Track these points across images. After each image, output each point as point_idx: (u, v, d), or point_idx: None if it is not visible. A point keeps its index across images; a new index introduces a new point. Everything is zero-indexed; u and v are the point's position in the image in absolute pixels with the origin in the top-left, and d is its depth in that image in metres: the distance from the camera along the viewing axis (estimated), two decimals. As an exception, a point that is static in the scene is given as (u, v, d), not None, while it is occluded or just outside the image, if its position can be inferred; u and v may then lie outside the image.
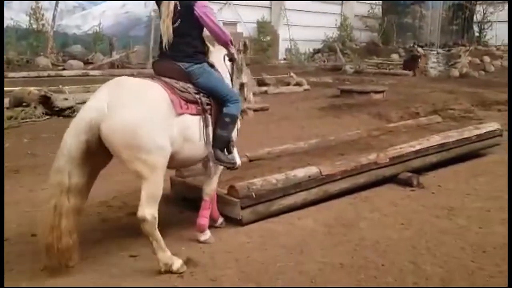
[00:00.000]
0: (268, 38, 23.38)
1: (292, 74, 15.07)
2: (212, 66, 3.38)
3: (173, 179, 4.20)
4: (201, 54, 3.33)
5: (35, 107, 7.43)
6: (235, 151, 3.47)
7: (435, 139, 5.19)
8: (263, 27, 23.43)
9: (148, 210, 2.80)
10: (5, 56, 14.43)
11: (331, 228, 3.63)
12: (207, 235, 3.40)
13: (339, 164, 4.34)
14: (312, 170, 4.05)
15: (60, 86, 9.89)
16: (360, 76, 17.22)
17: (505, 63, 20.45)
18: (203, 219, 3.40)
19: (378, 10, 28.92)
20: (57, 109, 7.50)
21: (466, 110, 9.66)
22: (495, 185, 4.69)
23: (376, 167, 4.54)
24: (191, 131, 3.08)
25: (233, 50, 3.52)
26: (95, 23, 17.97)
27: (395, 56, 23.07)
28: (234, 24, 23.68)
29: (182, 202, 4.07)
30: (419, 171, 4.94)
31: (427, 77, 17.18)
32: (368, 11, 28.89)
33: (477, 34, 25.95)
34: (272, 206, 3.73)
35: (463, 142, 5.43)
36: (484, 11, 25.40)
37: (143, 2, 19.09)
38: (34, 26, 16.64)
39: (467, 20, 26.27)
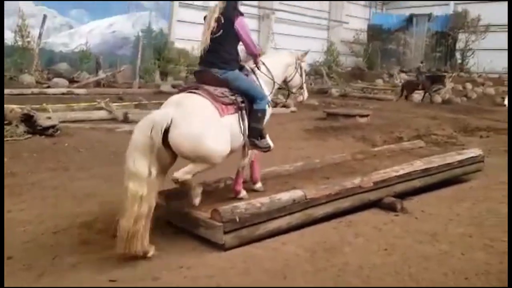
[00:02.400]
0: (256, 60, 23.61)
1: (279, 95, 15.14)
2: (242, 68, 4.13)
3: (157, 203, 4.13)
4: (235, 61, 4.03)
5: (16, 126, 7.30)
6: (267, 136, 4.24)
7: (418, 164, 5.24)
8: (251, 49, 23.67)
9: (183, 175, 3.62)
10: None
11: (315, 253, 3.60)
12: (243, 193, 4.31)
13: (323, 187, 4.33)
14: (297, 193, 4.04)
15: (44, 104, 9.78)
16: (345, 99, 17.43)
17: (487, 90, 20.90)
18: (238, 186, 4.33)
19: (363, 36, 29.51)
20: (39, 128, 7.39)
21: (448, 135, 9.81)
22: (477, 210, 4.73)
23: (360, 191, 4.54)
24: (233, 127, 3.84)
25: (257, 60, 4.27)
26: (82, 42, 17.95)
27: (379, 81, 23.44)
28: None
29: (164, 225, 4.01)
30: (403, 195, 4.96)
31: (410, 102, 17.45)
32: (354, 37, 29.47)
33: (459, 61, 26.54)
34: (256, 231, 3.69)
35: (445, 168, 5.49)
36: (467, 39, 26.04)
37: (131, 22, 19.20)
38: (20, 43, 16.53)
39: (450, 48, 26.89)
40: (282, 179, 5.10)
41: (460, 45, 26.58)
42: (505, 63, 25.00)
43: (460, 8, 26.83)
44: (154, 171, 3.37)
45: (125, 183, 3.33)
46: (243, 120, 3.96)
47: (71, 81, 15.54)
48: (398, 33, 28.05)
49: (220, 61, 3.91)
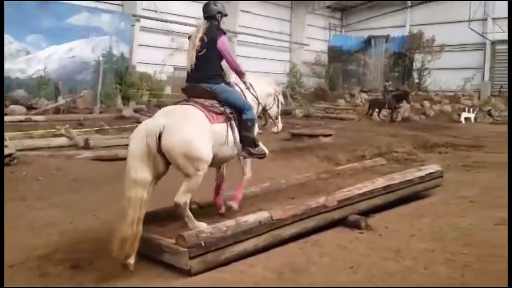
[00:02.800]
0: (219, 83, 23.69)
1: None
2: (229, 83, 4.41)
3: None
4: (220, 76, 4.31)
5: (-29, 155, 7.01)
6: (260, 143, 4.46)
7: (380, 182, 5.34)
8: (214, 72, 23.74)
9: (183, 199, 3.79)
10: None
11: (282, 274, 3.58)
12: (236, 205, 4.60)
13: (289, 208, 4.34)
14: (263, 215, 4.03)
15: None
16: (309, 120, 17.68)
17: (444, 107, 21.68)
18: (239, 195, 4.68)
19: (324, 57, 30.18)
20: (-4, 156, 7.12)
21: (409, 152, 10.07)
22: (437, 225, 4.84)
23: (325, 211, 4.58)
24: (222, 135, 4.07)
25: (244, 79, 4.58)
26: (40, 67, 17.54)
27: (341, 101, 23.95)
28: (184, 69, 23.87)
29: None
30: (366, 213, 5.03)
31: (371, 121, 17.87)
32: (315, 58, 30.09)
33: (417, 80, 27.47)
34: (222, 255, 3.64)
35: (406, 184, 5.62)
36: (423, 59, 27.04)
37: (91, 46, 18.97)
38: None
39: (407, 68, 27.81)
40: (249, 201, 5.08)
41: (417, 64, 27.54)
42: (459, 82, 26.17)
43: (415, 29, 27.90)
44: (152, 177, 3.64)
45: (127, 193, 3.58)
46: (232, 130, 4.19)
47: (29, 107, 15.12)
48: (358, 54, 28.85)
49: (206, 76, 4.20)
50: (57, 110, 15.34)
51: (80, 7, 18.77)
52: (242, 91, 4.59)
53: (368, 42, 29.05)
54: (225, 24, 4.56)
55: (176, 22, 23.09)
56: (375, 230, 4.65)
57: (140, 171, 3.58)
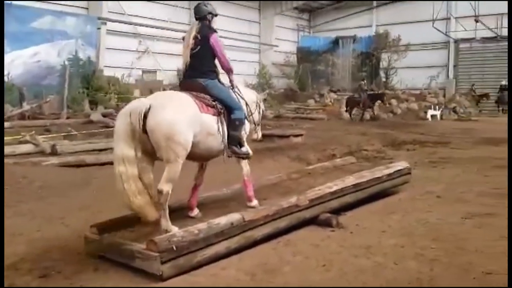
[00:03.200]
0: (189, 85, 23.54)
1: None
2: (222, 83, 4.56)
3: (87, 236, 3.97)
4: (213, 72, 4.49)
5: None
6: (246, 144, 4.59)
7: (350, 180, 5.42)
8: (183, 74, 23.60)
9: (166, 187, 3.84)
10: None
11: (255, 275, 3.58)
12: (255, 202, 4.65)
13: (261, 209, 4.37)
14: (234, 216, 4.02)
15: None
16: (279, 120, 17.75)
17: (411, 105, 22.16)
18: (250, 192, 4.70)
19: (293, 58, 30.39)
20: (-43, 166, 6.87)
21: (378, 150, 10.25)
22: (407, 221, 4.94)
23: (297, 210, 4.61)
24: (211, 127, 4.19)
25: (232, 77, 4.74)
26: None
27: (311, 101, 24.16)
28: (153, 72, 23.67)
29: (97, 259, 3.84)
30: (337, 211, 5.10)
31: (341, 120, 18.10)
32: (284, 59, 30.26)
33: (384, 79, 27.97)
34: (194, 258, 3.62)
35: (375, 182, 5.71)
36: (389, 59, 27.55)
37: (56, 50, 18.55)
38: None
39: (374, 67, 28.27)
40: (220, 203, 5.06)
41: (383, 64, 28.03)
42: (425, 80, 26.79)
43: (381, 29, 28.42)
44: (139, 153, 3.80)
45: (116, 170, 3.78)
46: (222, 124, 4.32)
47: (-8, 114, 14.66)
48: (326, 55, 29.15)
49: (200, 72, 4.41)
50: (22, 116, 14.91)
51: (44, 10, 18.31)
52: (235, 94, 4.74)
53: (336, 42, 29.39)
54: (216, 23, 4.79)
55: (144, 25, 22.84)
56: (346, 227, 4.71)
57: (124, 148, 3.74)
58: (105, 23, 20.87)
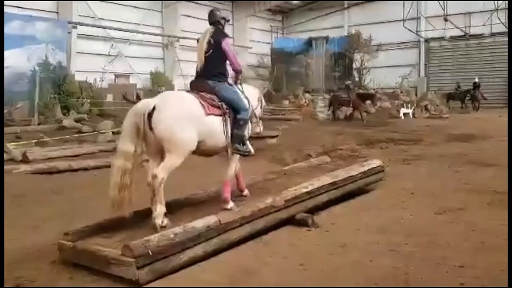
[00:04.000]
0: (163, 88, 23.35)
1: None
2: (231, 85, 4.84)
3: (61, 243, 3.90)
4: (223, 75, 4.76)
5: None
6: (248, 143, 4.84)
7: (325, 179, 5.48)
8: (157, 78, 23.41)
9: (161, 174, 4.07)
10: None
11: (233, 277, 3.59)
12: (230, 204, 4.60)
13: (237, 211, 4.37)
14: (211, 219, 4.02)
15: None
16: (255, 122, 17.73)
17: (383, 104, 22.48)
18: (226, 194, 4.64)
19: (267, 60, 30.48)
20: None
21: (352, 149, 10.37)
22: (381, 218, 5.03)
23: (274, 211, 4.64)
24: (215, 126, 4.45)
25: (239, 76, 5.05)
26: (-29, 79, 16.56)
27: (286, 102, 24.27)
28: (126, 75, 23.39)
29: (72, 267, 3.78)
30: (314, 210, 5.14)
31: (316, 120, 18.24)
32: (258, 61, 30.32)
33: (357, 79, 28.30)
34: (171, 262, 3.59)
35: (350, 180, 5.79)
36: (362, 59, 27.91)
37: (26, 56, 18.15)
38: None
39: (347, 67, 28.58)
40: (197, 207, 5.03)
41: (356, 64, 28.36)
42: (397, 79, 27.23)
43: (353, 30, 28.78)
44: (139, 150, 4.10)
45: (115, 161, 4.09)
46: (226, 124, 4.57)
47: (-40, 122, 14.25)
48: (300, 56, 29.31)
49: (212, 74, 4.67)
50: (-9, 124, 14.53)
51: (12, 15, 17.85)
52: (243, 94, 4.98)
53: (309, 43, 29.59)
54: (226, 28, 5.10)
55: (115, 28, 22.57)
56: (322, 226, 4.77)
57: (125, 143, 4.06)
58: (76, 27, 20.51)
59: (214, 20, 4.90)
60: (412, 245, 4.11)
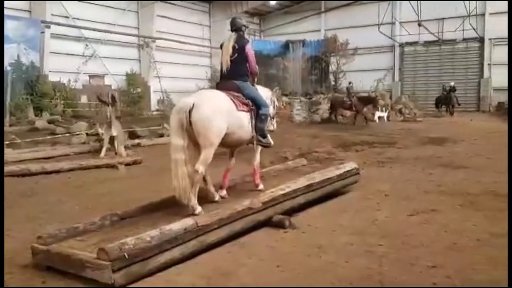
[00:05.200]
0: (139, 90, 23.16)
1: (165, 125, 15.02)
2: (252, 84, 5.48)
3: (34, 247, 3.83)
4: (246, 76, 5.36)
5: None
6: (268, 136, 5.46)
7: (302, 181, 5.53)
8: (133, 79, 23.17)
9: (201, 168, 4.67)
10: None
11: (210, 279, 3.59)
12: (261, 186, 5.50)
13: (215, 213, 4.36)
14: (188, 222, 4.00)
15: None
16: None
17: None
18: (257, 179, 5.61)
19: (244, 62, 30.48)
20: None
21: (328, 152, 10.47)
22: (357, 219, 5.10)
23: (251, 213, 4.65)
24: (244, 121, 5.10)
25: (255, 78, 5.61)
26: None
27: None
28: (101, 76, 23.11)
29: (45, 271, 3.71)
30: (290, 212, 5.18)
31: (293, 123, 18.35)
32: (235, 63, 30.30)
33: (333, 82, 28.60)
34: (147, 265, 3.56)
35: (326, 182, 5.85)
36: (338, 62, 28.22)
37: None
38: None
39: (324, 70, 28.86)
40: (173, 210, 5.00)
41: (332, 67, 28.68)
42: (372, 82, 27.61)
43: (330, 34, 29.08)
44: (186, 143, 4.62)
45: (172, 156, 4.61)
46: (252, 119, 5.21)
47: None
48: (277, 59, 29.45)
49: (238, 75, 5.25)
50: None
51: (-18, 13, 17.47)
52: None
53: (286, 46, 29.75)
54: (245, 33, 5.65)
55: (90, 28, 22.26)
56: (299, 228, 4.80)
57: (176, 139, 4.60)
58: (49, 27, 20.16)
59: (236, 27, 5.41)
60: (386, 246, 4.18)
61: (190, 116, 4.60)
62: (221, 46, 5.40)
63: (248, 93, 5.26)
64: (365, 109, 18.79)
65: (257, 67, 5.56)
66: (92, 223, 4.35)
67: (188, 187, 4.60)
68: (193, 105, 4.63)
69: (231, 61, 5.24)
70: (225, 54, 5.25)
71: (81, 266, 3.48)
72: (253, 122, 5.25)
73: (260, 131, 5.33)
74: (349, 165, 6.58)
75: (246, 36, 5.76)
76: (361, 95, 20.26)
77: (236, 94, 5.13)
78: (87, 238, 4.00)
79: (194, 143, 4.79)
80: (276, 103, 6.28)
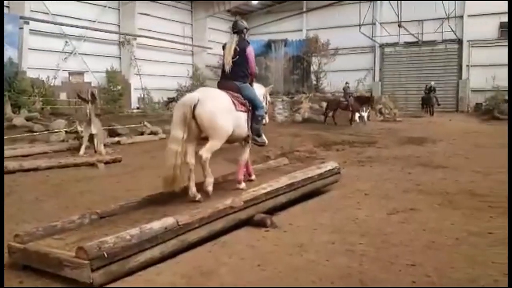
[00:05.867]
0: (119, 87, 22.89)
1: (146, 123, 14.90)
2: (251, 85, 5.73)
3: (11, 246, 3.75)
4: (246, 77, 5.60)
5: None
6: (263, 135, 5.80)
7: (283, 180, 5.54)
8: (113, 76, 22.89)
9: (205, 154, 4.98)
10: None
11: (191, 279, 3.57)
12: (242, 185, 5.57)
13: (196, 212, 4.33)
14: (168, 221, 3.96)
15: None
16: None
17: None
18: (240, 175, 5.67)
19: (227, 60, 30.43)
20: None
21: (310, 151, 10.53)
22: (337, 218, 5.14)
23: (232, 212, 4.63)
24: (241, 120, 5.37)
25: (253, 79, 5.85)
26: None
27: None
28: (81, 73, 22.80)
29: (22, 271, 3.64)
30: (272, 211, 5.19)
31: (274, 122, 18.39)
32: (218, 62, 30.23)
33: (314, 82, 28.77)
34: (127, 264, 3.52)
35: (307, 181, 5.87)
36: (319, 62, 28.40)
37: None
38: None
39: (305, 70, 29.02)
40: (153, 208, 4.96)
41: (314, 67, 28.85)
42: (353, 82, 27.79)
43: (311, 34, 29.24)
44: (185, 136, 4.86)
45: (168, 146, 4.91)
46: (248, 119, 5.48)
47: None
48: (260, 58, 29.43)
49: (238, 76, 5.49)
50: None
51: (-43, 7, 17.07)
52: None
53: (268, 46, 29.84)
54: (248, 35, 5.94)
55: (70, 25, 21.92)
56: (280, 227, 4.81)
57: (176, 131, 4.88)
58: (28, 23, 19.81)
59: (238, 29, 5.62)
60: (366, 245, 4.22)
61: (194, 110, 4.89)
62: (223, 47, 5.64)
63: (247, 94, 5.51)
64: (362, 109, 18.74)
65: (256, 68, 5.88)
66: (70, 221, 4.29)
67: (178, 178, 4.90)
68: (198, 100, 4.92)
69: (232, 62, 5.48)
70: (227, 55, 5.49)
71: (59, 265, 3.42)
72: (249, 121, 5.50)
73: (255, 131, 5.62)
74: (330, 165, 6.63)
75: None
76: (358, 95, 20.26)
77: (236, 94, 5.38)
78: (65, 236, 3.94)
79: (195, 137, 5.09)
80: (269, 99, 6.65)
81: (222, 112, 5.05)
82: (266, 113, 6.22)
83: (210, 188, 5.16)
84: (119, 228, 4.07)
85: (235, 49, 5.49)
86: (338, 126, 17.09)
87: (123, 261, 3.49)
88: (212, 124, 4.98)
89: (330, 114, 18.61)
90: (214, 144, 5.04)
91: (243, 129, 5.45)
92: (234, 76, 5.50)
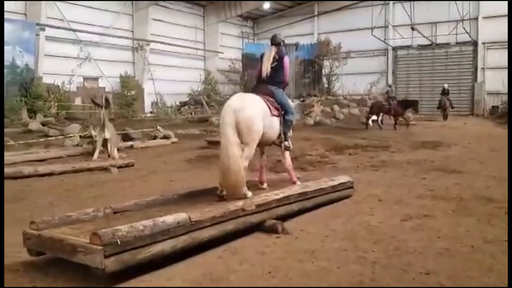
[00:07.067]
0: (133, 92, 23.09)
1: (158, 127, 15.00)
2: (284, 92, 6.09)
3: (26, 232, 3.84)
4: (281, 83, 6.01)
5: None
6: (289, 140, 6.04)
7: (296, 188, 5.56)
8: (127, 81, 23.11)
9: (245, 163, 5.24)
10: None
11: (201, 285, 3.55)
12: (298, 182, 5.99)
13: (208, 210, 4.34)
14: (181, 216, 3.98)
15: None
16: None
17: (352, 110, 22.78)
18: (293, 177, 6.13)
19: (238, 65, 30.55)
20: None
21: (321, 155, 10.46)
22: (350, 225, 5.07)
23: (244, 214, 4.63)
24: (274, 124, 5.68)
25: (285, 87, 6.17)
26: None
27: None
28: (95, 79, 23.05)
29: (36, 272, 3.68)
30: (283, 217, 5.15)
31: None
32: (229, 66, 30.36)
33: (326, 85, 28.67)
34: (138, 254, 3.54)
35: (320, 193, 5.82)
36: (331, 65, 28.30)
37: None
38: None
39: (317, 74, 28.92)
40: (166, 207, 4.98)
41: (325, 70, 28.75)
42: (366, 86, 27.68)
43: (323, 37, 29.16)
44: (237, 138, 5.14)
45: (230, 152, 5.06)
46: (280, 123, 5.76)
47: None
48: (271, 62, 29.47)
49: (273, 81, 5.89)
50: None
51: (-23, 15, 17.35)
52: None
53: (280, 50, 29.77)
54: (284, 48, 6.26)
55: (85, 31, 22.20)
56: (291, 233, 4.76)
57: (233, 136, 5.10)
58: (44, 29, 20.12)
59: (275, 42, 6.06)
60: (379, 252, 4.16)
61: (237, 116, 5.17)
62: (261, 57, 6.08)
63: (280, 100, 5.83)
64: (407, 113, 18.35)
65: (289, 76, 6.27)
66: (85, 213, 4.38)
67: (241, 182, 5.11)
68: (239, 106, 5.22)
69: (271, 68, 5.86)
70: (266, 61, 5.89)
71: (72, 251, 3.47)
72: (281, 126, 5.77)
73: (285, 135, 5.90)
74: (343, 178, 6.47)
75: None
76: (401, 99, 19.84)
77: (271, 99, 5.70)
78: (81, 226, 4.01)
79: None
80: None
81: (259, 117, 5.33)
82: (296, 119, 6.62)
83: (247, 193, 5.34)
84: (133, 223, 4.09)
85: (274, 56, 5.92)
86: (349, 130, 16.97)
87: (135, 250, 3.52)
88: (249, 129, 5.21)
89: (373, 117, 18.30)
90: (250, 150, 5.30)
91: (275, 132, 5.74)
92: (270, 81, 5.88)
